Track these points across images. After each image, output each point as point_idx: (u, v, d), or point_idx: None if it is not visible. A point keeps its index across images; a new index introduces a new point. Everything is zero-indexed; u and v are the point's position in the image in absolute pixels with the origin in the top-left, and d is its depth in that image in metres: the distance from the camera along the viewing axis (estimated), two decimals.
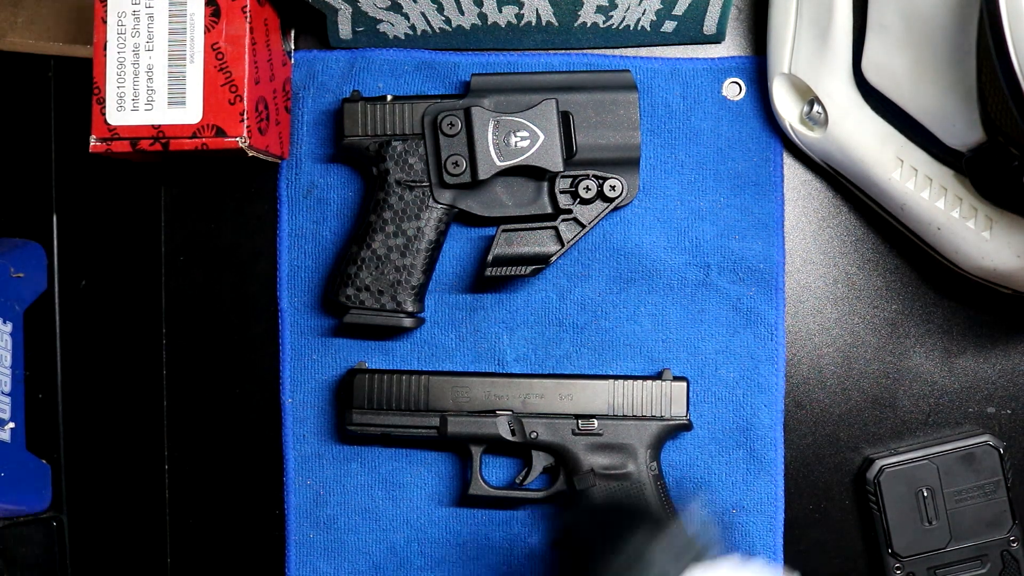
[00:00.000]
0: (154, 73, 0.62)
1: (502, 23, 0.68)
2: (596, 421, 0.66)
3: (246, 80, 0.63)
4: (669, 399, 0.66)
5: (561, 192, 0.67)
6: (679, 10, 0.67)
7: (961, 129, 0.57)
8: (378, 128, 0.67)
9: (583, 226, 0.67)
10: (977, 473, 0.67)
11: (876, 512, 0.68)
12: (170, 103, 0.62)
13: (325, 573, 0.70)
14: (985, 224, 0.61)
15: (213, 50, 0.62)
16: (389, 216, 0.67)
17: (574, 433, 0.66)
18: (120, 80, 0.63)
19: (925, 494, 0.67)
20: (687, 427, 0.66)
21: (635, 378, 0.67)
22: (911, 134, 0.62)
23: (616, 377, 0.67)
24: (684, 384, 0.66)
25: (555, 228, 0.67)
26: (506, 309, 0.71)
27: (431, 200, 0.67)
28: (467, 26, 0.69)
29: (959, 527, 0.67)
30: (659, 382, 0.66)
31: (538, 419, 0.67)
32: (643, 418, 0.66)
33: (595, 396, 0.66)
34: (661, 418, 0.66)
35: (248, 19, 0.63)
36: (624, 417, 0.66)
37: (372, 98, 0.68)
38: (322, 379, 0.71)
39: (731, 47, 0.71)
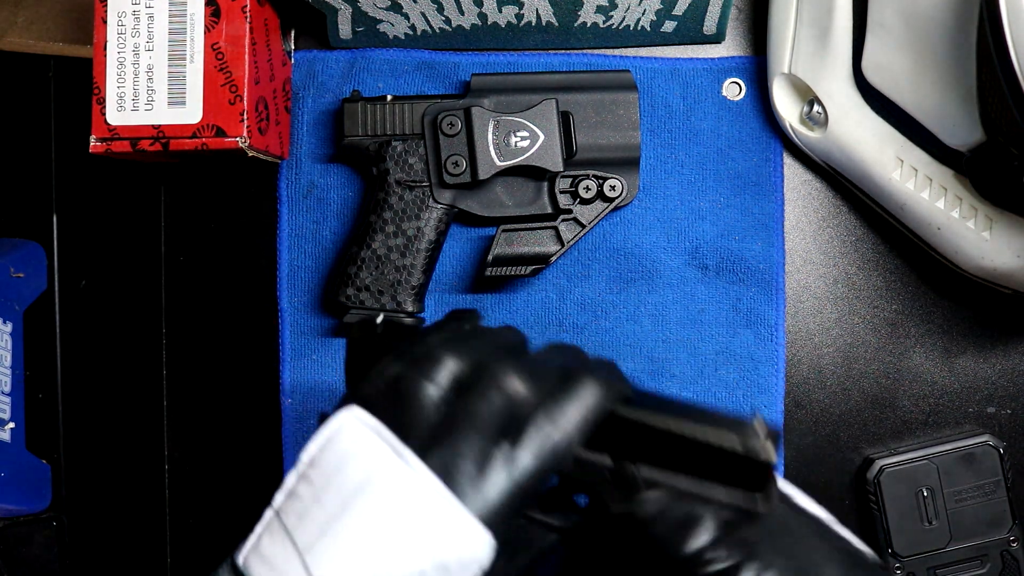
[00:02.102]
0: (154, 73, 0.62)
1: (502, 23, 0.68)
2: None
3: (246, 80, 0.63)
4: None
5: (561, 192, 0.67)
6: (679, 10, 0.67)
7: (961, 129, 0.57)
8: (378, 128, 0.67)
9: (583, 226, 0.67)
10: (977, 473, 0.67)
11: (876, 512, 0.68)
12: (170, 103, 0.62)
13: None
14: (985, 224, 0.61)
15: (213, 50, 0.62)
16: (389, 216, 0.67)
17: None
18: (120, 80, 0.63)
19: (925, 494, 0.67)
20: None
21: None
22: (911, 134, 0.62)
23: None
24: None
25: (555, 228, 0.67)
26: (506, 309, 0.70)
27: (431, 200, 0.67)
28: (467, 26, 0.69)
29: (959, 527, 0.67)
30: None
31: None
32: None
33: None
34: None
35: (248, 19, 0.63)
36: None
37: (372, 98, 0.68)
38: (322, 379, 0.71)
39: (731, 47, 0.71)
